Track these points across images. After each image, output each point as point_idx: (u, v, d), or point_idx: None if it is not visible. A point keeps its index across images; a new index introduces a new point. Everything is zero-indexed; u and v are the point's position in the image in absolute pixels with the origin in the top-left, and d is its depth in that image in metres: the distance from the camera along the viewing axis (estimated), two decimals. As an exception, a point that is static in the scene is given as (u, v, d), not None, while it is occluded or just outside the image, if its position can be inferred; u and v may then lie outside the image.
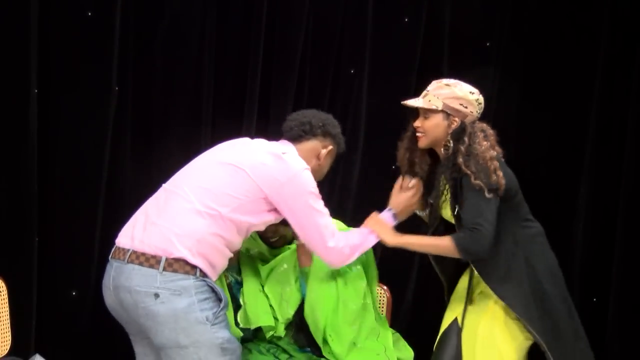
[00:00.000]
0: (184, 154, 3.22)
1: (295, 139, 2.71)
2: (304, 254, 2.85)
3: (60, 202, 3.40)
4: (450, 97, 2.72)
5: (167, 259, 2.41)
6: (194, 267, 2.43)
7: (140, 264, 2.43)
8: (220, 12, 3.61)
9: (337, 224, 2.81)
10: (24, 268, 3.27)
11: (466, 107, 2.73)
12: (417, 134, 2.79)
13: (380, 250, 3.06)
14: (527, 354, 2.82)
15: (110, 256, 2.54)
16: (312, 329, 2.79)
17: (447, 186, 2.74)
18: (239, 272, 2.91)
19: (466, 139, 2.69)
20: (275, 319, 2.84)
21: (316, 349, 2.86)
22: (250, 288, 2.87)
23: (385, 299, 3.19)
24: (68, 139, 3.39)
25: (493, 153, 2.68)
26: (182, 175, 2.62)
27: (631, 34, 4.04)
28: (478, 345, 2.75)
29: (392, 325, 3.07)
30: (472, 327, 2.79)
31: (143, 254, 2.43)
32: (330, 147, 2.77)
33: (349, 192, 3.86)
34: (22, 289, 3.21)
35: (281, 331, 2.83)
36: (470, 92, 2.74)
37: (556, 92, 4.19)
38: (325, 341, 2.78)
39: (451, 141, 2.71)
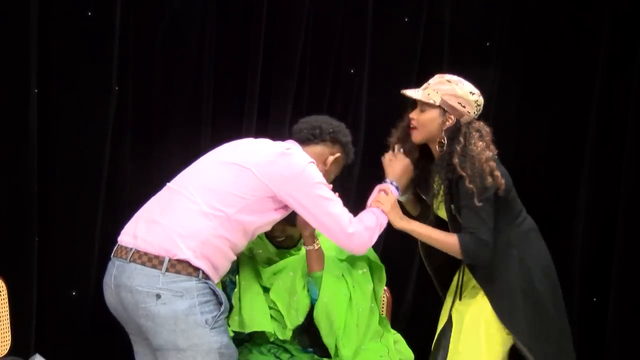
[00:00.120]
0: (184, 153, 3.24)
1: (303, 141, 2.70)
2: (315, 260, 2.81)
3: (60, 202, 3.39)
4: (449, 94, 2.71)
5: (170, 260, 2.40)
6: (197, 269, 2.42)
7: (143, 263, 2.42)
8: (220, 12, 3.61)
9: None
10: (24, 268, 3.27)
11: (464, 107, 2.71)
12: (411, 126, 2.77)
13: (381, 251, 3.06)
14: (513, 349, 2.81)
15: (112, 254, 2.53)
16: (324, 332, 2.76)
17: (442, 186, 2.73)
18: (235, 273, 2.89)
19: (462, 139, 2.68)
20: (282, 325, 2.82)
21: (319, 350, 2.86)
22: (247, 291, 2.84)
23: (385, 299, 3.19)
24: (68, 139, 3.39)
25: (489, 154, 2.66)
26: (186, 175, 2.61)
27: (631, 34, 4.05)
28: (462, 335, 2.75)
29: (392, 326, 3.07)
30: (459, 319, 2.79)
31: (146, 254, 2.42)
32: (338, 155, 2.75)
33: (349, 192, 3.85)
34: (22, 289, 3.21)
35: (288, 336, 2.82)
36: (471, 93, 2.73)
37: (556, 92, 4.20)
38: (335, 345, 2.77)
39: (445, 139, 2.70)
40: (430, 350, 2.92)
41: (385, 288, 3.17)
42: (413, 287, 4.08)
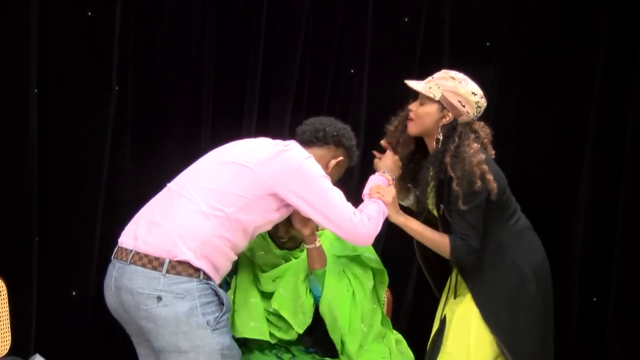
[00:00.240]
0: (183, 154, 3.24)
1: (306, 143, 2.69)
2: (317, 258, 2.80)
3: (60, 202, 3.39)
4: (450, 91, 2.68)
5: (170, 262, 2.40)
6: (198, 269, 2.42)
7: (143, 265, 2.41)
8: (220, 12, 3.61)
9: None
10: (24, 268, 3.27)
11: (463, 106, 2.69)
12: (408, 118, 2.76)
13: (381, 251, 3.06)
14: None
15: (112, 256, 2.53)
16: (329, 328, 2.76)
17: (432, 184, 2.72)
18: (232, 274, 2.87)
19: (456, 138, 2.66)
20: (285, 329, 2.81)
21: (321, 350, 2.86)
22: (242, 295, 2.83)
23: (385, 299, 3.19)
24: (68, 139, 3.38)
25: (482, 157, 2.62)
26: (186, 175, 2.60)
27: (631, 34, 4.05)
28: (451, 335, 2.74)
29: (392, 325, 3.07)
30: (451, 319, 2.77)
31: (146, 255, 2.42)
32: (341, 159, 2.74)
33: (349, 192, 3.85)
34: (22, 289, 3.21)
35: (294, 336, 2.81)
36: (473, 93, 2.70)
37: (556, 92, 4.20)
38: (341, 341, 2.77)
39: (441, 136, 2.69)
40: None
41: (386, 288, 3.17)
42: (413, 287, 4.08)
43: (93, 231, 3.41)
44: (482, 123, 2.77)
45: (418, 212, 2.85)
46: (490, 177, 2.61)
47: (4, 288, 3.04)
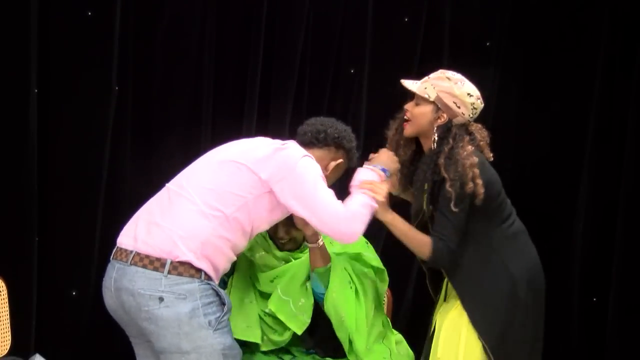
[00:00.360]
0: (184, 154, 3.24)
1: (306, 144, 2.67)
2: (319, 256, 2.79)
3: (60, 202, 3.40)
4: (446, 92, 2.65)
5: (172, 262, 2.39)
6: (199, 270, 2.41)
7: (144, 266, 2.40)
8: (220, 12, 3.61)
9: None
10: (24, 268, 3.27)
11: (459, 107, 2.65)
12: (404, 118, 2.73)
13: (381, 251, 3.06)
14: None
15: (111, 257, 2.52)
16: (335, 326, 2.75)
17: (426, 185, 2.70)
18: (229, 274, 2.87)
19: (451, 140, 2.62)
20: (280, 331, 2.81)
21: (322, 351, 2.86)
22: (238, 296, 2.82)
23: (385, 299, 3.19)
24: (68, 139, 3.39)
25: (475, 159, 2.59)
26: (185, 175, 2.60)
27: (631, 34, 4.04)
28: (442, 340, 2.71)
29: (392, 325, 3.07)
30: (440, 323, 2.75)
31: (147, 256, 2.41)
32: (340, 161, 2.71)
33: (349, 192, 3.85)
34: (22, 289, 3.21)
35: (288, 337, 2.80)
36: (469, 94, 2.66)
37: (556, 92, 4.19)
38: (349, 339, 2.76)
39: (437, 137, 2.66)
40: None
41: (386, 288, 3.17)
42: (413, 287, 4.08)
43: (93, 231, 3.41)
44: (479, 125, 2.73)
45: (414, 214, 2.83)
46: (479, 181, 2.57)
47: (4, 288, 3.04)
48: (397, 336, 3.00)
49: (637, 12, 4.04)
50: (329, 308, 2.75)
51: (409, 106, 2.73)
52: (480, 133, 2.72)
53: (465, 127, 2.69)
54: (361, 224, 2.56)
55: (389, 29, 3.97)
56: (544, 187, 4.17)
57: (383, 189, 2.63)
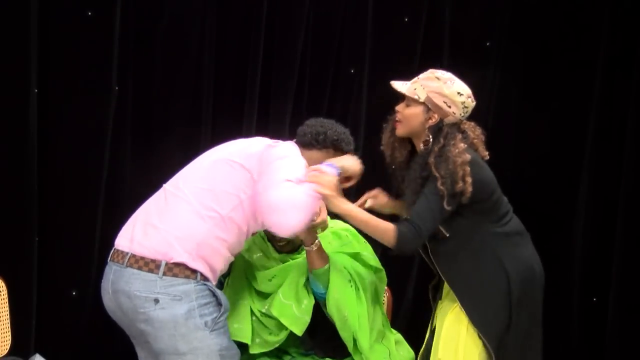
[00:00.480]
0: (184, 154, 3.23)
1: (305, 145, 2.67)
2: (317, 258, 2.78)
3: (60, 202, 3.40)
4: (435, 92, 2.63)
5: (167, 264, 2.39)
6: (195, 271, 2.42)
7: (140, 268, 2.41)
8: (220, 12, 3.61)
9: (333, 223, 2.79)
10: (24, 268, 3.27)
11: (449, 107, 2.63)
12: (395, 119, 2.72)
13: (381, 251, 3.05)
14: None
15: (109, 258, 2.52)
16: (338, 326, 2.75)
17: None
18: (225, 275, 2.87)
19: (442, 139, 2.61)
20: (275, 332, 2.80)
21: (320, 351, 2.86)
22: (232, 295, 2.81)
23: (385, 299, 3.19)
24: (68, 139, 3.39)
25: (467, 157, 2.57)
26: (182, 176, 2.60)
27: (631, 34, 4.04)
28: (442, 340, 2.70)
29: (392, 326, 3.07)
30: (440, 323, 2.75)
31: (142, 258, 2.41)
32: None
33: (349, 192, 3.85)
34: (22, 289, 3.21)
35: (283, 337, 2.80)
36: (459, 93, 2.64)
37: (556, 92, 4.19)
38: (353, 338, 2.76)
39: (431, 138, 2.64)
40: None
41: (386, 288, 3.17)
42: (413, 287, 4.07)
43: (93, 231, 3.42)
44: (472, 123, 2.72)
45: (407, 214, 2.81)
46: (469, 179, 2.55)
47: (4, 288, 3.04)
48: (396, 336, 3.00)
49: (637, 12, 4.04)
50: (331, 308, 2.75)
51: (399, 107, 2.72)
52: (474, 131, 2.71)
53: (457, 125, 2.67)
54: (298, 212, 2.38)
55: (389, 29, 3.97)
56: (544, 187, 4.16)
57: (329, 182, 2.51)
